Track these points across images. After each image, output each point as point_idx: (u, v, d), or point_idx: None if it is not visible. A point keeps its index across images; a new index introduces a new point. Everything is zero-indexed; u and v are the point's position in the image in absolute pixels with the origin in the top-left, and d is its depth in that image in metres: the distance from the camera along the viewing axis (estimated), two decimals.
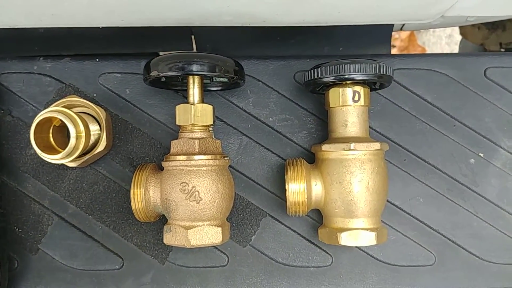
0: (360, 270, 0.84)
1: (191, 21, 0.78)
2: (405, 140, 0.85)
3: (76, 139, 0.74)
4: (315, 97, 0.86)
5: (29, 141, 0.72)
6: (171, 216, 0.74)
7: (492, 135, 0.86)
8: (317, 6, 0.72)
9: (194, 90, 0.77)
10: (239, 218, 0.84)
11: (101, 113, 0.80)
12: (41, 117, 0.73)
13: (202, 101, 0.77)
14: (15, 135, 0.84)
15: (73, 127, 0.73)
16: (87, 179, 0.84)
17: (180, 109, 0.77)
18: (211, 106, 0.77)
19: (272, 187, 0.85)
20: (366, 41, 0.96)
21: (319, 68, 0.74)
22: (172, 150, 0.76)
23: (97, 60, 0.86)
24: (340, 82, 0.76)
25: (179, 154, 0.74)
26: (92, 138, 0.79)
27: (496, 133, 0.86)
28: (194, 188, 0.72)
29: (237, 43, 0.96)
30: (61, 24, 0.78)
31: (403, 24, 1.01)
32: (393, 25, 0.95)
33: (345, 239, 0.74)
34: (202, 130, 0.76)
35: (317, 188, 0.76)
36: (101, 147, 0.80)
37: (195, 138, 0.75)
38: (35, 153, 0.75)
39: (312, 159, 0.82)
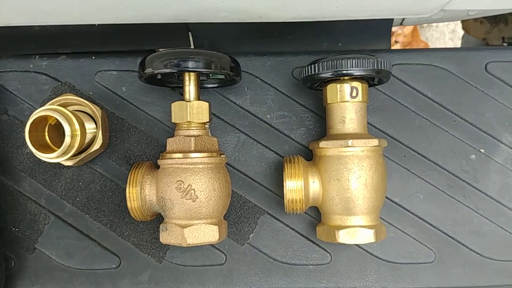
0: (359, 267, 0.83)
1: (187, 18, 0.77)
2: (404, 136, 0.84)
3: (71, 138, 0.73)
4: (313, 93, 0.85)
5: (25, 140, 0.72)
6: (167, 215, 0.74)
7: (493, 131, 0.84)
8: (312, 1, 0.71)
9: (190, 87, 0.76)
10: (236, 216, 0.83)
11: (97, 111, 0.80)
12: (36, 116, 0.72)
13: (198, 98, 0.77)
14: (11, 134, 0.84)
15: (68, 125, 0.72)
16: (83, 178, 0.84)
17: (175, 106, 0.76)
18: (207, 103, 0.76)
19: (270, 184, 0.84)
20: (366, 36, 0.95)
21: (317, 64, 0.73)
22: (168, 148, 0.76)
23: (93, 57, 0.86)
24: (338, 78, 0.75)
25: (175, 152, 0.74)
26: (88, 137, 0.78)
27: (497, 129, 0.84)
28: (190, 186, 0.72)
29: (235, 40, 0.95)
30: (56, 22, 0.78)
31: (403, 19, 0.99)
32: (392, 20, 0.94)
33: (343, 236, 0.73)
34: (198, 128, 0.76)
35: (315, 186, 0.75)
36: (97, 145, 0.79)
37: (191, 136, 0.74)
38: (31, 152, 0.75)
39: (310, 156, 0.81)
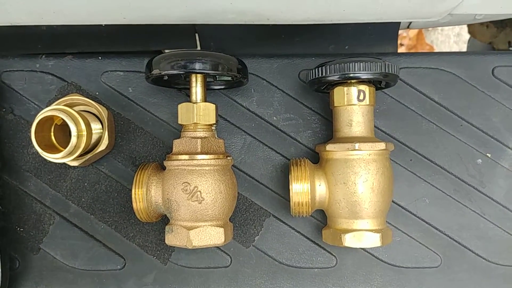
0: (365, 271, 0.82)
1: (194, 19, 0.77)
2: (411, 140, 0.84)
3: (77, 138, 0.73)
4: (320, 96, 0.85)
5: (31, 139, 0.71)
6: (173, 216, 0.74)
7: (499, 135, 0.84)
8: (321, 3, 0.71)
9: (197, 88, 0.76)
10: (242, 218, 0.83)
11: (103, 112, 0.80)
12: (42, 116, 0.72)
13: (205, 99, 0.76)
14: (16, 134, 0.84)
15: (74, 125, 0.72)
16: (89, 179, 0.83)
17: (182, 108, 0.76)
18: (214, 105, 0.76)
19: (276, 187, 0.84)
20: (373, 39, 0.95)
21: (324, 67, 0.73)
22: (174, 149, 0.75)
23: (100, 58, 0.85)
24: (345, 80, 0.74)
25: (181, 154, 0.73)
26: (94, 137, 0.78)
27: (503, 133, 0.84)
28: (196, 188, 0.71)
29: (242, 41, 0.95)
30: (63, 22, 0.77)
31: (410, 22, 0.99)
32: (399, 23, 0.94)
33: (349, 240, 0.72)
34: (204, 129, 0.75)
35: (321, 189, 0.75)
36: (103, 146, 0.79)
37: (198, 138, 0.74)
38: (37, 152, 0.74)
39: (316, 159, 0.81)
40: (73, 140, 0.72)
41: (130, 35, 0.92)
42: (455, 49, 2.38)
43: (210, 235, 0.72)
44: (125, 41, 0.92)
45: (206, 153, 0.73)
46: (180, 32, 0.92)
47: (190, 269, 0.83)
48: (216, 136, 0.78)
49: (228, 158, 0.76)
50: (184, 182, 0.72)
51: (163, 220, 0.82)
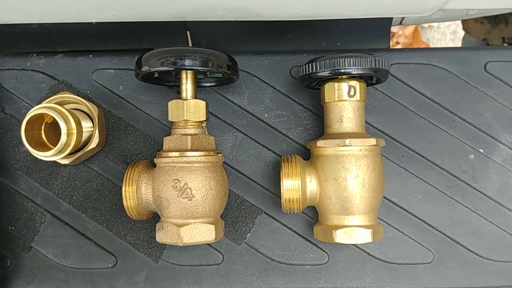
0: (357, 268, 0.82)
1: (184, 16, 0.77)
2: (403, 136, 0.84)
3: (67, 136, 0.72)
4: (311, 92, 0.84)
5: (21, 138, 0.71)
6: (164, 214, 0.73)
7: (492, 131, 0.84)
8: None
9: (187, 85, 0.76)
10: (234, 215, 0.83)
11: (93, 110, 0.80)
12: (32, 114, 0.72)
13: (195, 96, 0.76)
14: (7, 132, 0.83)
15: (64, 123, 0.72)
16: (80, 177, 0.83)
17: (172, 105, 0.75)
18: (204, 102, 0.76)
19: (267, 184, 0.83)
20: (365, 35, 0.95)
21: (314, 63, 0.73)
22: (165, 146, 0.75)
23: (91, 56, 0.85)
24: (336, 76, 0.74)
25: (171, 151, 0.73)
26: (85, 135, 0.78)
27: (496, 129, 0.84)
28: (186, 185, 0.71)
29: (234, 39, 0.95)
30: (53, 20, 0.77)
31: (403, 18, 0.99)
32: (391, 19, 0.93)
33: (340, 236, 0.72)
34: (195, 126, 0.75)
35: (312, 185, 0.75)
36: (93, 144, 0.79)
37: (188, 134, 0.74)
38: (28, 151, 0.74)
39: (308, 155, 0.81)
40: (63, 138, 0.72)
41: (121, 33, 0.91)
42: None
43: (201, 232, 0.72)
44: (117, 40, 0.92)
45: (196, 150, 0.73)
46: (171, 30, 0.92)
47: (182, 266, 0.82)
48: (206, 133, 0.78)
49: (219, 155, 0.76)
50: (174, 179, 0.72)
51: (155, 218, 0.82)
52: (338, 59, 0.71)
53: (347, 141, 0.72)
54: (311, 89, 0.83)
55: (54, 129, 0.78)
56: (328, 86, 0.76)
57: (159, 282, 0.82)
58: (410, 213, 0.83)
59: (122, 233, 0.83)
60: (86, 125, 0.79)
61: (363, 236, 0.72)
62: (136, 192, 0.74)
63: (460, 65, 0.85)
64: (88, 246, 0.83)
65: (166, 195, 0.72)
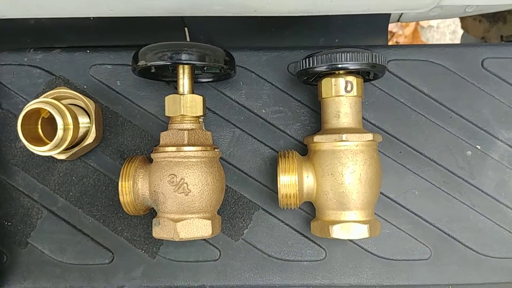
0: (354, 264, 0.82)
1: (181, 11, 0.77)
2: (400, 132, 0.84)
3: (63, 131, 0.72)
4: (309, 88, 0.84)
5: (18, 133, 0.71)
6: (160, 209, 0.73)
7: (489, 127, 0.84)
8: None
9: (184, 80, 0.76)
10: (231, 211, 0.83)
11: (90, 105, 0.79)
12: (29, 109, 0.72)
13: (192, 91, 0.76)
14: (4, 128, 0.83)
15: (60, 118, 0.72)
16: (77, 172, 0.83)
17: (169, 99, 0.75)
18: (201, 97, 0.76)
19: (265, 180, 0.83)
20: (363, 32, 0.95)
21: (311, 58, 0.73)
22: (161, 141, 0.75)
23: (88, 51, 0.85)
24: (333, 72, 0.74)
25: (168, 146, 0.73)
26: (81, 130, 0.78)
27: (493, 125, 0.84)
28: (182, 180, 0.71)
29: (232, 35, 0.95)
30: (50, 15, 0.77)
31: (401, 15, 0.99)
32: (389, 15, 0.94)
33: (337, 231, 0.72)
34: (191, 121, 0.75)
35: (309, 180, 0.74)
36: (90, 139, 0.78)
37: (184, 129, 0.74)
38: (25, 146, 0.74)
39: (305, 151, 0.80)
40: (59, 133, 0.72)
41: (118, 29, 0.91)
42: None
43: (197, 227, 0.72)
44: (114, 35, 0.92)
45: (193, 145, 0.73)
46: (169, 26, 0.92)
47: (179, 262, 0.82)
48: (203, 128, 0.77)
49: (216, 150, 0.76)
50: (170, 174, 0.71)
51: (151, 214, 0.82)
52: (335, 54, 0.71)
53: (344, 136, 0.72)
54: (309, 85, 0.83)
55: (50, 124, 0.79)
56: (325, 82, 0.76)
57: (156, 278, 0.82)
58: (407, 209, 0.83)
59: (119, 229, 0.82)
60: (83, 120, 0.79)
61: (360, 232, 0.72)
62: (132, 187, 0.74)
63: (457, 62, 0.85)
64: (84, 241, 0.82)
65: (163, 190, 0.72)
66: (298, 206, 0.76)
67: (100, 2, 0.72)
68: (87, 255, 0.82)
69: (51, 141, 0.72)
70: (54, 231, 0.82)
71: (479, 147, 0.84)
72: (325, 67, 0.72)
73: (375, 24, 0.94)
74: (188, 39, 0.94)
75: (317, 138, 0.74)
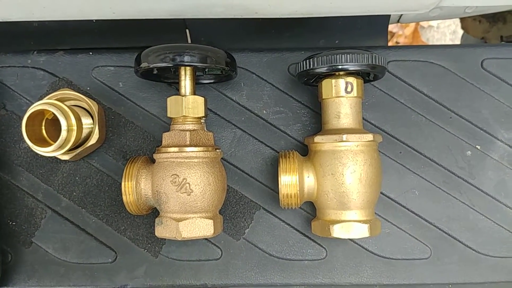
0: (355, 263, 0.83)
1: (183, 13, 0.78)
2: (400, 132, 0.84)
3: (67, 132, 0.73)
4: (309, 89, 0.85)
5: (22, 134, 0.72)
6: (162, 209, 0.74)
7: (489, 127, 0.84)
8: None
9: (186, 82, 0.77)
10: (232, 211, 0.84)
11: (93, 106, 0.80)
12: (33, 110, 0.73)
13: (194, 93, 0.77)
14: (9, 129, 0.84)
15: (64, 119, 0.73)
16: (80, 173, 0.84)
17: (171, 101, 0.76)
18: (203, 98, 0.77)
19: (266, 180, 0.84)
20: (363, 33, 0.96)
21: (312, 59, 0.73)
22: (164, 142, 0.76)
23: (91, 53, 0.86)
24: (333, 73, 0.75)
25: (170, 146, 0.74)
26: (85, 131, 0.79)
27: (493, 125, 0.84)
28: (184, 180, 0.72)
29: (233, 37, 0.96)
30: (54, 17, 0.78)
31: (401, 16, 1.00)
32: (389, 16, 0.94)
33: (338, 231, 0.73)
34: (193, 122, 0.76)
35: (310, 180, 0.75)
36: (93, 140, 0.79)
37: (186, 130, 0.75)
38: (29, 147, 0.75)
39: (306, 152, 0.81)
40: (63, 134, 0.73)
41: (121, 31, 0.92)
42: None
43: (199, 227, 0.73)
44: (116, 38, 0.93)
45: (195, 146, 0.74)
46: (171, 28, 0.92)
47: (181, 261, 0.83)
48: (205, 129, 0.78)
49: (217, 150, 0.76)
50: (173, 174, 0.72)
51: (154, 214, 0.82)
52: (335, 55, 0.72)
53: (344, 136, 0.72)
54: (309, 85, 0.84)
55: (54, 125, 0.80)
56: (325, 83, 0.76)
57: (158, 277, 0.83)
58: (407, 209, 0.83)
59: (121, 228, 0.83)
60: (86, 121, 0.80)
61: (360, 231, 0.73)
62: (135, 187, 0.75)
63: (457, 62, 0.86)
64: (88, 241, 0.83)
65: (165, 190, 0.72)
66: (298, 206, 0.77)
67: (102, 5, 0.73)
68: (90, 254, 0.83)
69: (55, 142, 0.73)
70: (58, 231, 0.83)
71: (479, 147, 0.84)
72: (326, 68, 0.72)
73: (375, 25, 0.94)
74: (189, 41, 0.95)
75: (317, 138, 0.75)
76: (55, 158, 0.83)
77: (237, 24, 0.90)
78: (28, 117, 0.73)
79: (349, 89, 0.75)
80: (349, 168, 0.72)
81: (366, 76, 0.80)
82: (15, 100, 0.85)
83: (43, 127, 0.79)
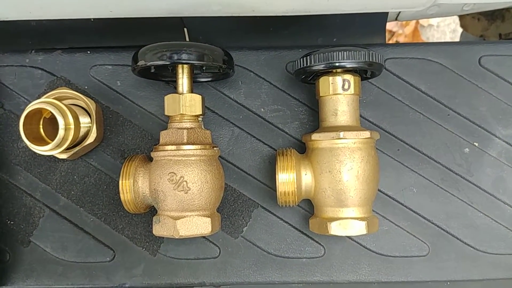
0: (353, 261, 0.83)
1: (180, 11, 0.78)
2: (398, 130, 0.84)
3: (65, 131, 0.73)
4: (307, 87, 0.85)
5: (20, 133, 0.72)
6: (160, 207, 0.74)
7: (487, 124, 0.84)
8: None
9: (183, 80, 0.77)
10: (230, 209, 0.84)
11: (91, 105, 0.80)
12: (31, 109, 0.73)
13: (191, 91, 0.77)
14: (6, 128, 0.84)
15: (62, 118, 0.73)
16: (78, 172, 0.84)
17: (169, 99, 0.76)
18: (200, 96, 0.77)
19: (263, 178, 0.84)
20: (360, 31, 0.96)
21: (309, 56, 0.73)
22: (161, 140, 0.76)
23: (88, 52, 0.86)
24: (330, 70, 0.75)
25: (168, 144, 0.74)
26: (82, 130, 0.79)
27: (491, 122, 0.84)
28: (182, 178, 0.72)
29: (230, 35, 0.95)
30: (51, 16, 0.78)
31: (398, 14, 0.99)
32: (387, 14, 0.94)
33: (335, 228, 0.73)
34: (191, 120, 0.76)
35: (307, 178, 0.75)
36: (91, 138, 0.79)
37: (184, 128, 0.75)
38: (27, 146, 0.75)
39: (304, 149, 0.81)
40: (61, 132, 0.73)
41: (119, 30, 0.92)
42: None
43: (197, 225, 0.73)
44: (114, 36, 0.93)
45: (193, 144, 0.74)
46: (168, 27, 0.92)
47: (179, 260, 0.83)
48: (203, 127, 0.78)
49: (215, 148, 0.76)
50: (170, 172, 0.72)
51: (152, 212, 0.82)
52: (332, 52, 0.72)
53: (342, 134, 0.72)
54: (307, 83, 0.84)
55: (52, 124, 0.80)
56: (322, 80, 0.76)
57: (156, 276, 0.83)
58: (405, 206, 0.83)
59: (120, 227, 0.83)
60: (84, 120, 0.80)
61: (358, 228, 0.73)
62: (133, 186, 0.75)
63: (454, 60, 0.85)
64: (86, 240, 0.83)
65: (163, 188, 0.72)
66: (296, 204, 0.77)
67: (100, 4, 0.73)
68: (88, 253, 0.83)
69: (52, 141, 0.73)
70: (56, 230, 0.83)
71: (476, 144, 0.84)
72: (323, 65, 0.72)
73: (373, 23, 0.94)
74: (187, 39, 0.95)
75: (315, 136, 0.75)
76: (53, 157, 0.83)
77: (235, 22, 0.90)
78: (26, 116, 0.73)
79: (346, 86, 0.75)
80: (346, 165, 0.72)
81: (364, 73, 0.80)
82: (13, 99, 0.85)
83: (41, 126, 0.79)
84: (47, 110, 0.73)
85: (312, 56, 0.73)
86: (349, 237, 0.83)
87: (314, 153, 0.75)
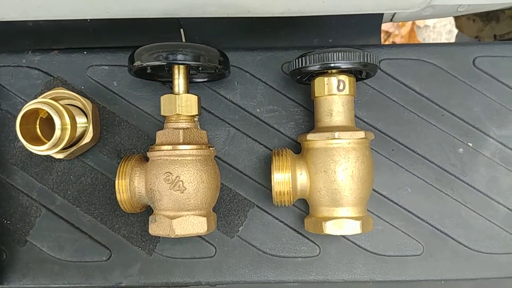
0: (348, 260, 0.83)
1: (176, 12, 0.78)
2: (393, 130, 0.85)
3: (61, 131, 0.74)
4: (303, 88, 0.86)
5: (16, 132, 0.72)
6: (156, 206, 0.75)
7: (481, 125, 0.85)
8: None
9: (179, 80, 0.77)
10: (226, 209, 0.84)
11: (87, 105, 0.81)
12: (27, 109, 0.73)
13: (187, 91, 0.78)
14: (3, 128, 0.85)
15: (58, 118, 0.73)
16: (74, 171, 0.84)
17: (165, 99, 0.77)
18: (196, 96, 0.77)
19: (259, 178, 0.85)
20: (356, 32, 0.96)
21: (304, 57, 0.74)
22: (157, 140, 0.77)
23: (85, 52, 0.86)
24: (325, 71, 0.76)
25: (164, 144, 0.74)
26: (79, 130, 0.79)
27: (485, 123, 0.85)
28: (178, 178, 0.72)
29: (227, 36, 0.96)
30: (48, 17, 0.78)
31: (394, 15, 1.00)
32: (382, 15, 0.95)
33: (330, 228, 0.73)
34: (187, 120, 0.76)
35: (302, 178, 0.76)
36: (87, 138, 0.80)
37: (180, 128, 0.75)
38: (23, 146, 0.75)
39: (299, 149, 0.82)
40: (57, 132, 0.73)
41: (115, 30, 0.92)
42: None
43: (193, 224, 0.73)
44: (111, 37, 0.93)
45: (189, 144, 0.74)
46: (165, 28, 0.93)
47: (175, 259, 0.83)
48: (198, 127, 0.79)
49: (211, 148, 0.77)
50: (166, 172, 0.73)
51: (148, 212, 0.83)
52: (327, 53, 0.72)
53: (336, 134, 0.73)
54: (302, 84, 0.84)
55: (48, 124, 0.80)
56: (318, 81, 0.77)
57: (152, 275, 0.83)
58: (400, 206, 0.84)
59: (116, 226, 0.84)
60: (80, 120, 0.80)
61: (353, 228, 0.73)
62: (129, 185, 0.75)
63: (449, 60, 0.86)
64: (82, 239, 0.84)
65: (159, 188, 0.73)
66: (292, 203, 0.77)
67: (96, 4, 0.74)
68: (85, 252, 0.84)
69: (49, 140, 0.74)
70: (53, 229, 0.84)
71: (470, 144, 0.85)
72: (318, 66, 0.73)
73: (368, 24, 0.95)
74: (184, 40, 0.95)
75: (310, 136, 0.75)
76: (49, 157, 0.83)
77: (231, 23, 0.90)
78: (23, 116, 0.73)
79: (341, 87, 0.76)
80: (341, 165, 0.73)
81: (359, 74, 0.81)
82: (9, 100, 0.85)
83: (37, 126, 0.79)
84: (44, 110, 0.73)
85: (308, 56, 0.74)
86: (344, 236, 0.84)
87: (310, 153, 0.76)
